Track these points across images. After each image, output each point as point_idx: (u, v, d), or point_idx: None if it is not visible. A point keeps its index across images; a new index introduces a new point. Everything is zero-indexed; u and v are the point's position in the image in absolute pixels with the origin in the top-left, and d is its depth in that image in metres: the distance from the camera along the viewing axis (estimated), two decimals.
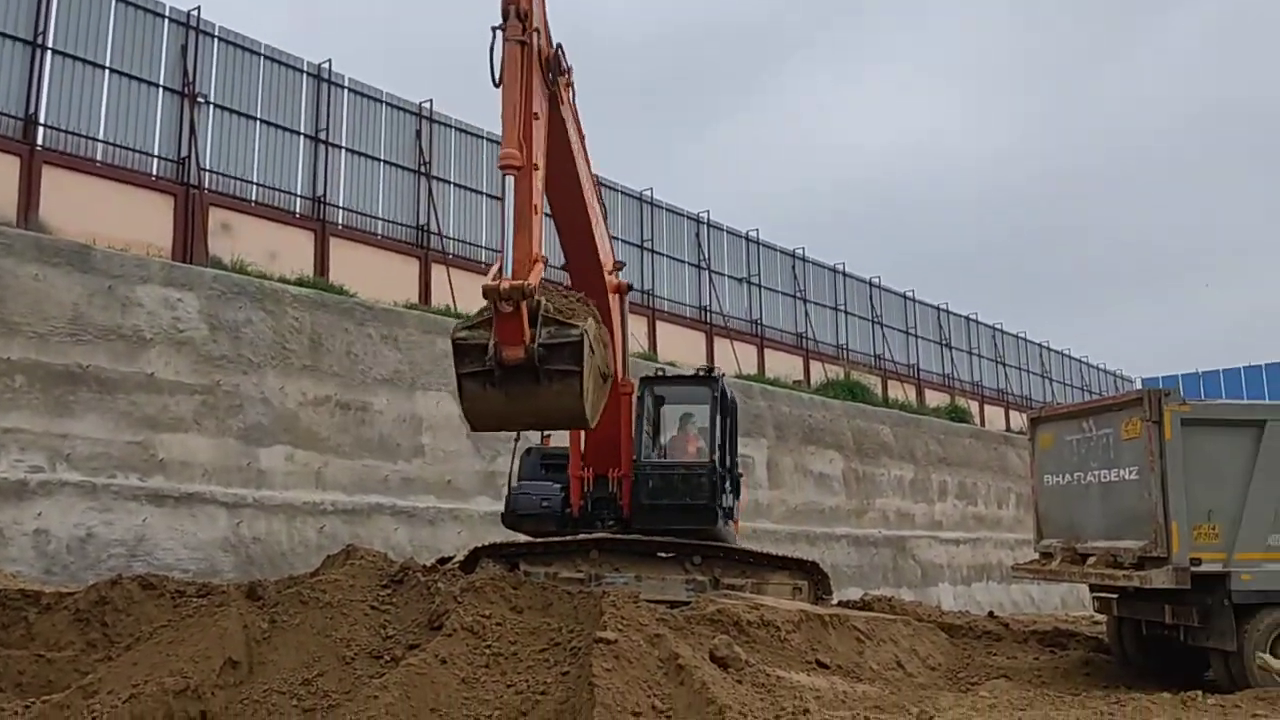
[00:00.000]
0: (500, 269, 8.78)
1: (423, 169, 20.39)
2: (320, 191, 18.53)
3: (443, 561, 12.17)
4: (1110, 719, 7.81)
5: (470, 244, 21.01)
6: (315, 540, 13.50)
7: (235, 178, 17.43)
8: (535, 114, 9.09)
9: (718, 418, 12.58)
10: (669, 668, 7.94)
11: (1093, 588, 12.11)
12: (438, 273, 19.71)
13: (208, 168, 16.94)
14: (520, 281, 8.57)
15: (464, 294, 19.35)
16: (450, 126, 21.26)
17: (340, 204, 18.93)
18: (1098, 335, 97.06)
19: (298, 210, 18.28)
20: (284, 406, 14.05)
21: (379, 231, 19.52)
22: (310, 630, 8.57)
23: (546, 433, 13.03)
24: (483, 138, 21.74)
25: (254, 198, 17.67)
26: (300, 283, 15.76)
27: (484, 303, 8.83)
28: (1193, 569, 10.08)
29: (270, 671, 8.06)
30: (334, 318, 15.06)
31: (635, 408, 12.44)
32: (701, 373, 13.29)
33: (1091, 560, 11.06)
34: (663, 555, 11.96)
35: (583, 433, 11.90)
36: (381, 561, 10.56)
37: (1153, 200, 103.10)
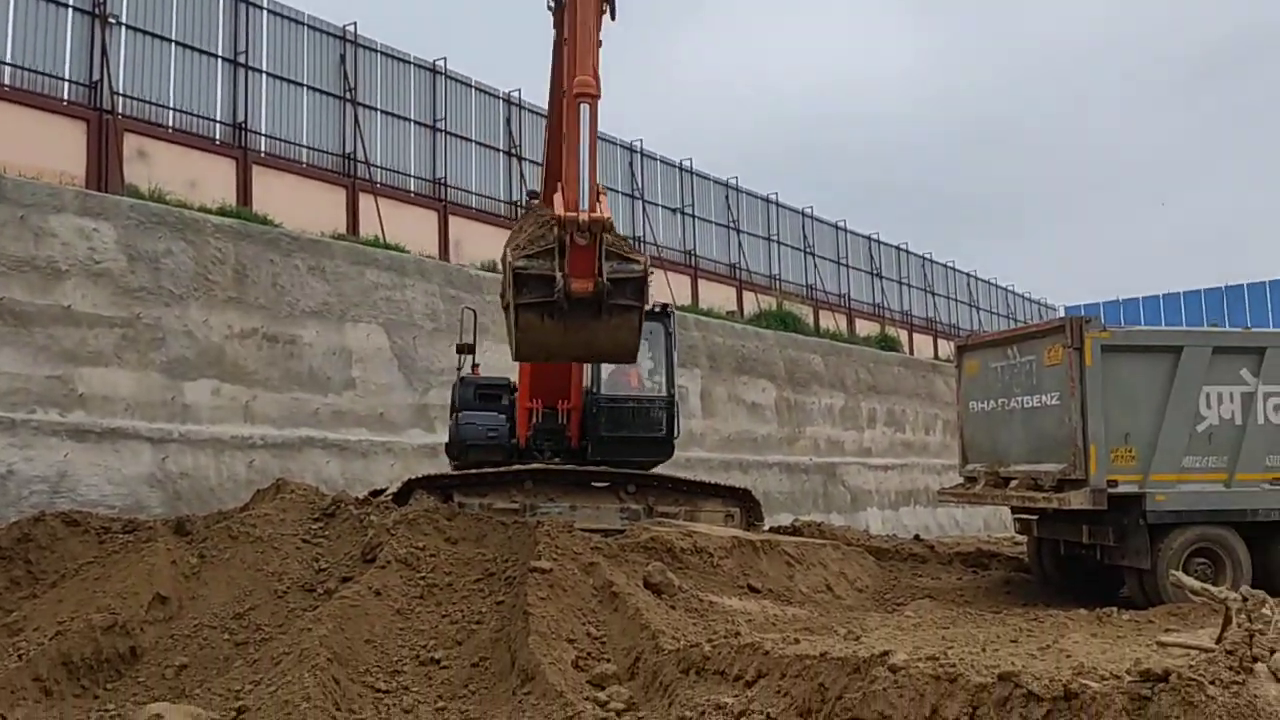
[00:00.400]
0: (575, 200, 8.55)
1: (348, 95, 19.84)
2: (241, 118, 17.94)
3: (375, 494, 12.13)
4: (1029, 635, 8.08)
5: (399, 173, 20.57)
6: (244, 475, 13.33)
7: (151, 103, 16.78)
8: (600, 41, 8.88)
9: (674, 352, 12.79)
10: (603, 595, 8.06)
11: (1014, 510, 12.49)
12: (365, 203, 19.29)
13: (121, 92, 16.29)
14: (603, 215, 8.54)
15: (393, 224, 19.02)
16: (376, 51, 20.66)
17: (262, 131, 18.35)
18: (1023, 264, 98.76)
19: (217, 137, 17.69)
20: (208, 340, 13.74)
21: (304, 160, 18.99)
22: (241, 565, 8.52)
23: (477, 362, 12.98)
24: (409, 63, 21.20)
25: (171, 124, 17.04)
26: (222, 212, 15.32)
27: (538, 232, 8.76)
28: (1110, 490, 10.43)
29: (200, 606, 8.01)
30: (259, 248, 14.70)
31: None
32: (657, 308, 13.30)
33: (1013, 484, 11.39)
34: (597, 485, 12.05)
35: (531, 363, 11.87)
36: (313, 495, 10.50)
37: (1077, 129, 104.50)
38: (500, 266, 9.61)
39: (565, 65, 8.74)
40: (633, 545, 10.09)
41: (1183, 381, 10.72)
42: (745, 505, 12.72)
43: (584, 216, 8.40)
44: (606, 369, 12.52)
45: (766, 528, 13.35)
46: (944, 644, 7.08)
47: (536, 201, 10.55)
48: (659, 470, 12.67)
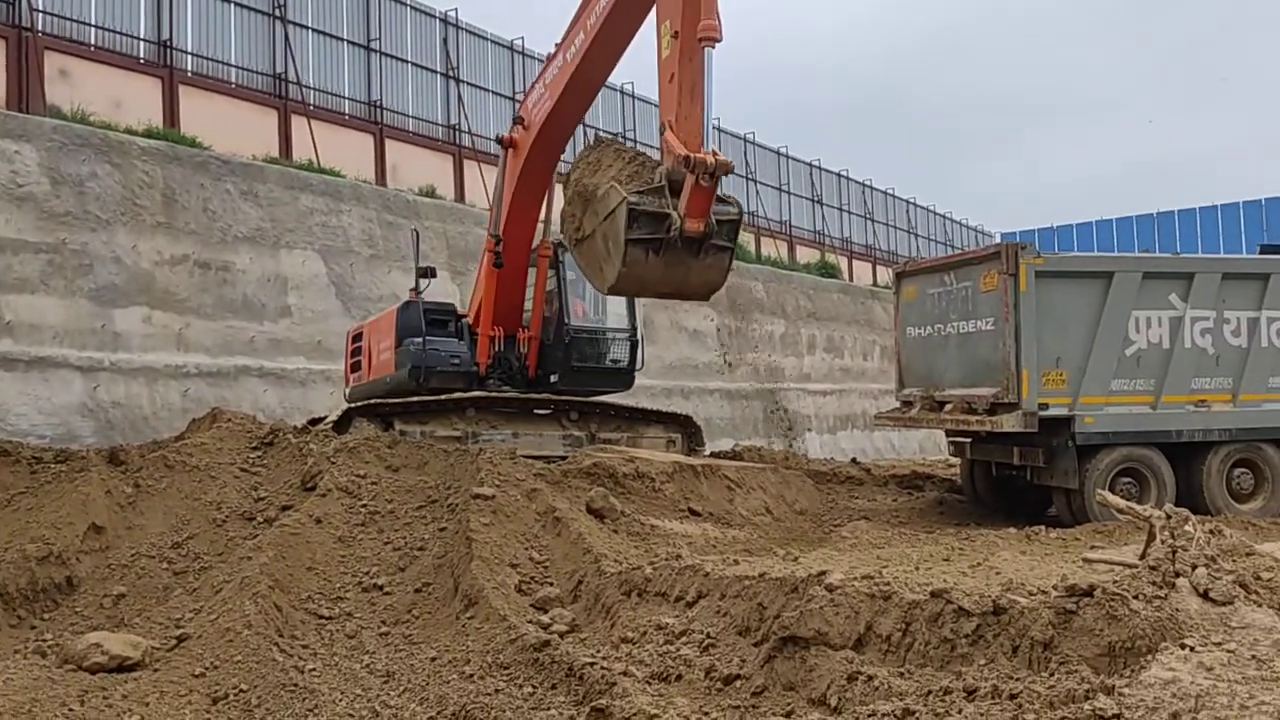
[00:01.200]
0: (698, 142, 8.58)
1: (278, 12, 19.17)
2: (166, 35, 17.26)
3: (314, 422, 12.03)
4: (961, 554, 8.32)
5: (333, 95, 20.02)
6: (179, 404, 13.12)
7: (72, 19, 16.06)
8: None
9: None
10: (546, 520, 8.12)
11: (949, 433, 12.75)
12: (298, 125, 18.77)
13: (41, 9, 15.57)
14: (728, 160, 8.65)
15: (328, 147, 18.55)
16: None
17: (189, 49, 17.69)
18: (961, 191, 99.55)
19: (142, 56, 17.03)
20: (138, 266, 13.40)
21: (233, 80, 18.38)
22: (178, 494, 8.42)
23: (415, 287, 12.82)
24: None
25: (93, 41, 16.36)
26: (149, 134, 14.82)
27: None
28: (1040, 413, 10.67)
29: (137, 536, 7.92)
30: (188, 172, 14.29)
31: (553, 270, 12.55)
32: None
33: (948, 407, 11.60)
34: (540, 412, 12.06)
35: (495, 290, 12.00)
36: (250, 424, 10.39)
37: (1014, 55, 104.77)
38: (576, 199, 9.70)
39: (682, 7, 8.74)
40: (575, 471, 10.15)
41: (1113, 306, 10.93)
42: (686, 431, 12.84)
43: (711, 159, 8.43)
44: (571, 300, 12.54)
45: (707, 453, 13.50)
46: (879, 563, 7.27)
47: (608, 137, 10.50)
48: (600, 397, 12.72)
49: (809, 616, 5.09)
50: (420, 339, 11.90)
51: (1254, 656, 3.88)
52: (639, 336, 13.04)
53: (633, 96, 27.33)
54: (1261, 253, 14.27)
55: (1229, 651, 3.93)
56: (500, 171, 12.21)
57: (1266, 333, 11.30)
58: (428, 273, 12.43)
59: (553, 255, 12.49)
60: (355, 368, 13.48)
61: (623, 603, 6.59)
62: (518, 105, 24.23)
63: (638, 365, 13.01)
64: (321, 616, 6.92)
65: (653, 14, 9.56)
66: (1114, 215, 47.04)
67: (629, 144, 10.43)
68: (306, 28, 19.70)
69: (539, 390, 12.35)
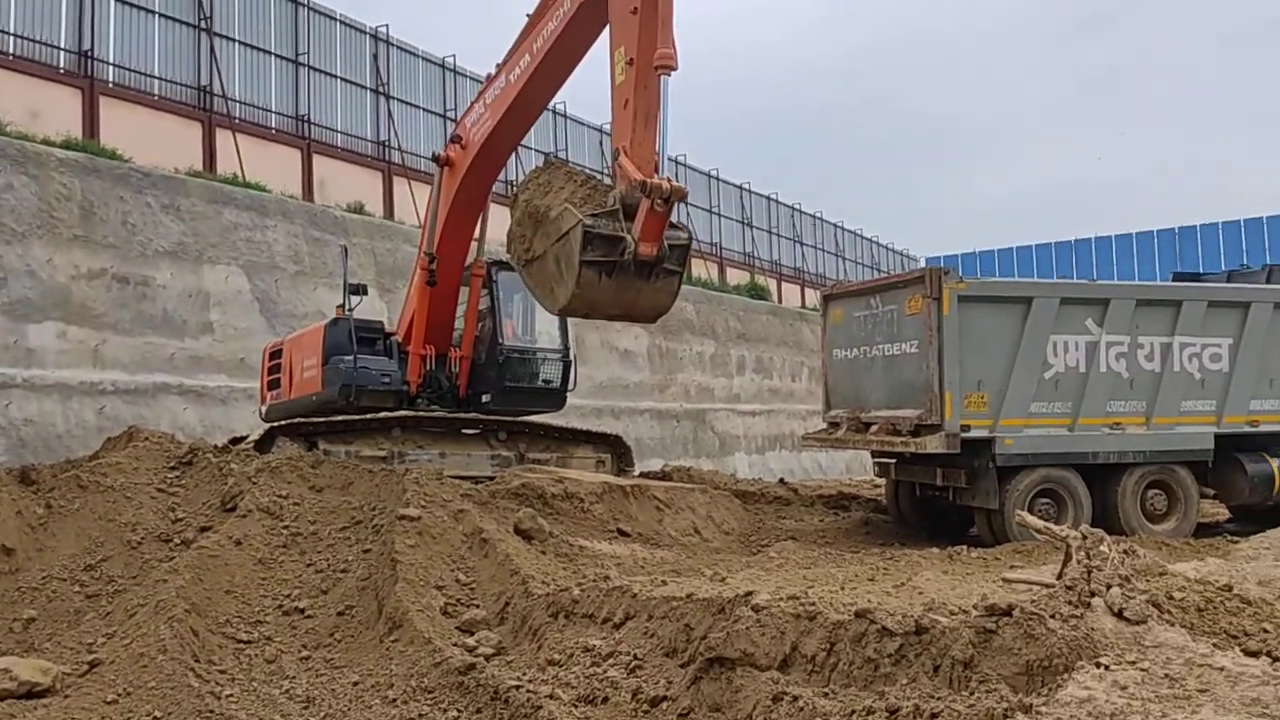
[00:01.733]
0: (651, 167, 8.80)
1: (204, 23, 18.85)
2: (87, 45, 16.86)
3: (236, 442, 11.77)
4: (885, 573, 8.42)
5: (260, 108, 19.72)
6: (95, 422, 12.75)
7: None
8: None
9: None
10: (473, 542, 8.04)
11: (874, 454, 12.92)
12: (223, 138, 18.44)
13: None
14: (683, 186, 8.92)
15: (253, 161, 18.24)
16: None
17: (111, 59, 17.30)
18: (888, 214, 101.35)
19: (62, 65, 16.62)
20: (53, 280, 13.02)
21: (156, 91, 18.00)
22: (91, 515, 8.18)
23: (342, 304, 12.64)
24: None
25: (11, 50, 15.91)
26: (67, 145, 14.43)
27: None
28: (963, 435, 10.87)
29: (49, 558, 7.68)
30: (107, 184, 13.94)
31: (486, 290, 12.62)
32: None
33: (874, 428, 11.76)
34: (468, 431, 11.97)
35: (427, 309, 11.96)
36: (168, 443, 10.14)
37: (944, 81, 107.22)
38: (526, 220, 9.73)
39: (638, 35, 8.88)
40: (503, 492, 10.07)
41: (1032, 331, 11.19)
42: (616, 451, 12.84)
43: (666, 184, 8.62)
44: (503, 320, 12.56)
45: (637, 473, 13.50)
46: (805, 583, 7.32)
47: (558, 160, 10.59)
48: (530, 417, 12.67)
49: (735, 637, 5.10)
50: (350, 357, 11.70)
51: (1166, 675, 3.99)
52: (572, 357, 13.09)
53: (565, 116, 27.36)
54: (1174, 280, 14.77)
55: (1142, 670, 4.03)
56: (435, 189, 12.14)
57: (1179, 358, 11.67)
58: (359, 290, 12.24)
59: (486, 274, 12.48)
60: (274, 385, 13.12)
61: (550, 624, 6.54)
62: (452, 123, 24.15)
63: (570, 386, 13.06)
64: (240, 641, 6.76)
65: (602, 39, 9.66)
66: (1034, 241, 48.32)
67: (572, 166, 10.46)
68: (233, 40, 19.39)
69: (468, 410, 12.26)
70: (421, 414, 11.69)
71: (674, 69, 8.80)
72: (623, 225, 8.87)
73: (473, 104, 12.12)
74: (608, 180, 9.53)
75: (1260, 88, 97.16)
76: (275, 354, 13.27)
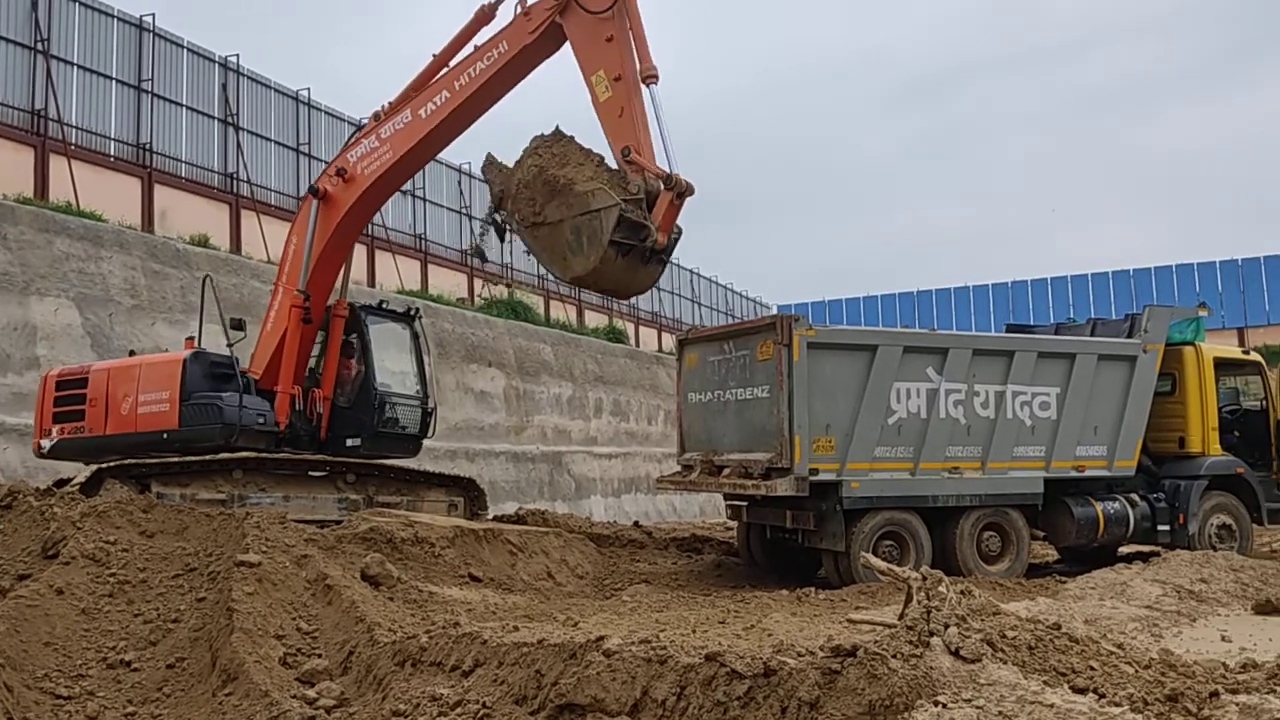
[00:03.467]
0: (657, 166, 10.33)
1: (40, 44, 17.96)
2: None
3: (61, 484, 11.08)
4: (736, 616, 8.50)
5: (98, 135, 18.85)
6: None
7: None
8: None
9: (425, 355, 13.20)
10: (316, 589, 7.74)
11: (727, 496, 13.08)
12: (57, 165, 17.54)
13: None
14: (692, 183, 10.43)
15: (90, 189, 17.41)
16: (74, 1, 18.80)
17: None
18: (742, 261, 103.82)
19: None
20: None
21: None
22: None
23: (192, 336, 12.43)
24: (113, 16, 19.45)
25: None
26: None
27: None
28: (811, 478, 11.12)
29: None
30: None
31: (354, 332, 12.60)
32: (405, 309, 13.56)
33: (726, 471, 11.91)
34: (314, 474, 11.60)
35: (297, 347, 11.91)
36: None
37: (797, 125, 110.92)
38: (538, 185, 10.71)
39: (621, 56, 10.64)
40: (350, 536, 9.77)
41: (877, 377, 11.57)
42: (469, 494, 12.67)
43: (684, 181, 10.24)
44: (376, 365, 12.54)
45: (491, 516, 13.33)
46: (657, 626, 7.33)
47: (565, 134, 11.27)
48: (380, 460, 12.40)
49: (586, 683, 5.05)
50: (234, 394, 11.33)
51: (1000, 712, 4.12)
52: (432, 405, 13.11)
53: (310, 105, 27.03)
54: (1007, 331, 15.53)
55: (977, 708, 4.15)
56: (310, 224, 11.95)
57: (1011, 405, 12.23)
58: (237, 324, 11.78)
59: (352, 316, 12.34)
60: (68, 418, 11.84)
61: (396, 673, 6.33)
62: (305, 157, 23.60)
63: (430, 433, 13.08)
64: (59, 696, 6.32)
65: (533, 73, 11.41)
66: (880, 291, 50.26)
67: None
68: (71, 64, 18.52)
69: (329, 453, 11.96)
70: (263, 455, 11.26)
71: (658, 79, 10.48)
72: (645, 214, 10.24)
73: (359, 137, 12.22)
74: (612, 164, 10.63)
75: (1089, 155, 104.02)
76: (69, 383, 12.02)
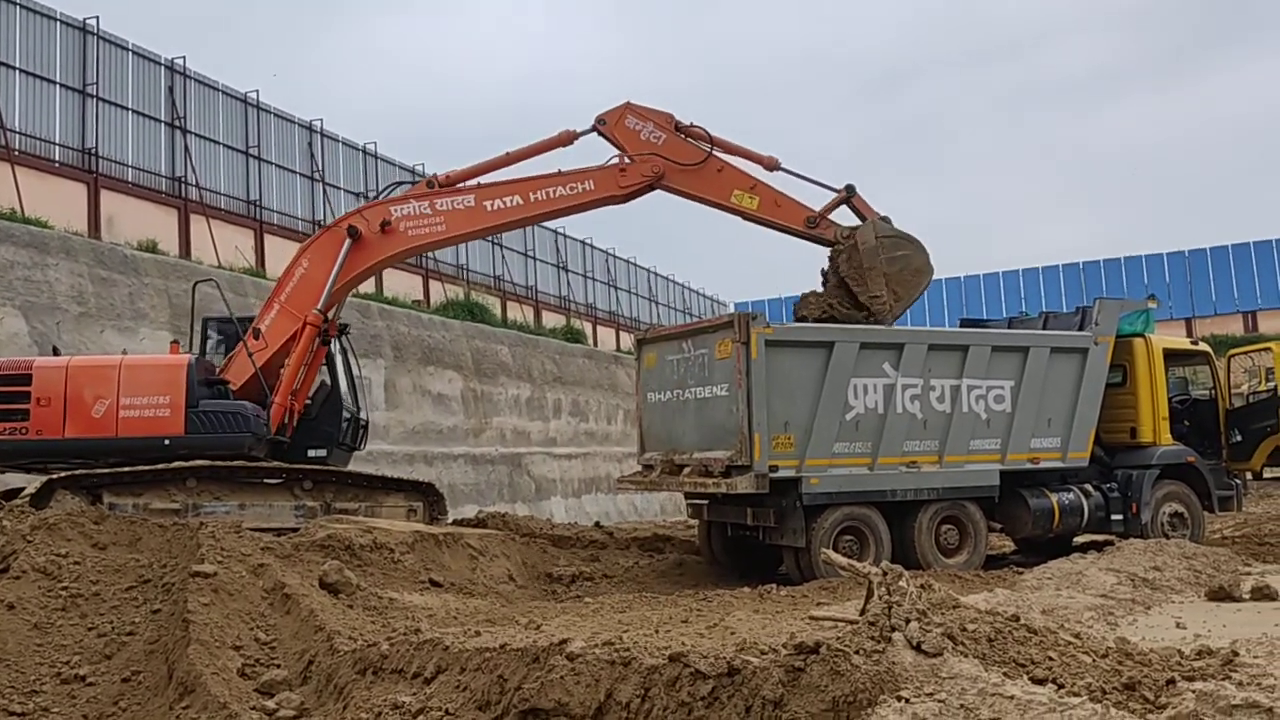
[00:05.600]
0: None
1: None
2: None
3: (9, 496, 10.83)
4: (699, 615, 8.51)
5: (42, 140, 18.44)
6: None
7: None
8: None
9: (358, 367, 13.68)
10: (274, 598, 7.65)
11: (687, 495, 13.12)
12: (0, 171, 17.17)
13: None
14: None
15: (34, 196, 17.05)
16: (15, 3, 18.38)
17: None
18: (699, 259, 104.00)
19: None
20: None
21: None
22: None
23: (175, 340, 12.86)
24: (55, 19, 19.04)
25: None
26: None
27: None
28: (771, 475, 11.17)
29: None
30: None
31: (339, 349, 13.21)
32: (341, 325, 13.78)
33: (686, 470, 11.93)
34: (270, 481, 11.46)
35: (297, 364, 12.23)
36: None
37: (752, 120, 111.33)
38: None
39: (739, 176, 12.99)
40: (308, 544, 9.66)
41: (834, 374, 11.64)
42: (428, 499, 12.56)
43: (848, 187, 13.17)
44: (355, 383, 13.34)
45: (450, 520, 13.24)
46: (620, 628, 7.31)
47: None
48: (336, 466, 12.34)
49: (549, 687, 5.02)
50: (252, 404, 11.65)
51: (962, 705, 4.15)
52: (365, 418, 13.73)
53: (321, 134, 26.83)
54: (962, 326, 15.69)
55: (940, 701, 4.19)
56: (340, 259, 12.35)
57: (967, 399, 12.37)
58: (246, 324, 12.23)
59: (336, 333, 12.92)
60: (9, 416, 11.07)
61: (356, 682, 6.26)
62: (254, 160, 23.30)
63: (361, 445, 13.64)
64: (12, 714, 6.19)
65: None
66: None
67: None
68: (13, 68, 18.11)
69: (292, 461, 12.02)
70: (217, 463, 11.10)
71: (779, 163, 12.91)
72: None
73: (407, 195, 12.89)
74: None
75: (1037, 150, 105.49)
76: (13, 379, 11.18)
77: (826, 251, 12.99)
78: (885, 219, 12.90)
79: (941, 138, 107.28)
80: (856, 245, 12.52)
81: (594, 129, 12.97)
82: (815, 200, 13.14)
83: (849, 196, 13.00)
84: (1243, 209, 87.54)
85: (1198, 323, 40.02)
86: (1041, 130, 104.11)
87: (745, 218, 12.94)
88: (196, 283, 12.99)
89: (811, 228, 12.77)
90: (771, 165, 12.82)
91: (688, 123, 12.90)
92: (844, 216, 13.17)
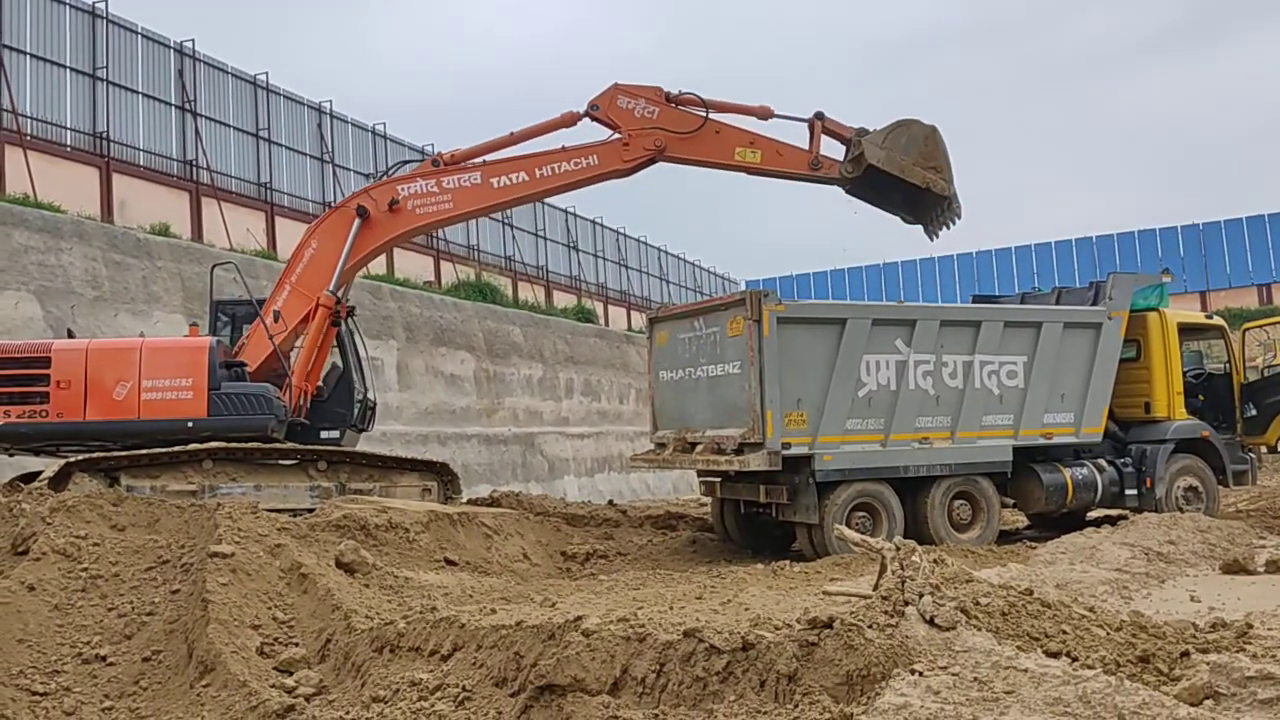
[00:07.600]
0: None
1: None
2: None
3: (27, 479, 10.93)
4: (712, 591, 8.55)
5: (53, 124, 18.50)
6: None
7: None
8: None
9: (364, 349, 13.64)
10: (291, 578, 7.71)
11: (700, 473, 13.14)
12: (13, 156, 17.20)
13: None
14: None
15: (47, 180, 17.13)
16: None
17: None
18: (710, 237, 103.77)
19: None
20: None
21: None
22: None
23: (194, 322, 13.01)
24: (65, 3, 19.05)
25: None
26: None
27: None
28: (783, 452, 11.18)
29: None
30: None
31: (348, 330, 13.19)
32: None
33: (699, 448, 11.95)
34: (285, 463, 11.54)
35: (313, 345, 12.45)
36: None
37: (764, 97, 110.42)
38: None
39: (736, 130, 13.08)
40: (324, 524, 9.72)
41: (846, 351, 11.63)
42: (442, 479, 12.62)
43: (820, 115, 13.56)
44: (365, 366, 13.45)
45: (464, 500, 13.31)
46: (635, 604, 7.36)
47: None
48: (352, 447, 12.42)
49: (566, 663, 5.06)
50: (273, 386, 11.72)
51: (976, 678, 4.18)
52: (374, 399, 13.80)
53: (331, 115, 26.84)
54: (974, 302, 15.63)
55: (954, 675, 4.21)
56: (350, 239, 12.45)
57: (979, 375, 12.35)
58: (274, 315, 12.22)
59: (348, 315, 12.95)
60: (20, 400, 10.94)
61: (374, 660, 6.32)
62: (264, 142, 23.33)
63: (369, 426, 13.66)
64: (35, 693, 6.26)
65: None
66: (847, 265, 50.42)
67: None
68: (24, 53, 18.15)
69: (305, 442, 12.10)
70: (232, 445, 11.17)
71: (773, 111, 13.05)
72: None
73: (414, 174, 12.97)
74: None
75: (1040, 122, 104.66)
76: (20, 361, 11.09)
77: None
78: (862, 130, 13.23)
79: (954, 111, 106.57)
80: (875, 166, 12.91)
81: (588, 114, 13.04)
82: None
83: (821, 123, 13.21)
84: (1258, 181, 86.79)
85: (1212, 296, 39.81)
86: (1055, 104, 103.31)
87: (750, 172, 13.17)
88: (214, 266, 13.05)
89: (816, 169, 13.10)
90: (765, 115, 13.07)
91: (676, 91, 12.99)
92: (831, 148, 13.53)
